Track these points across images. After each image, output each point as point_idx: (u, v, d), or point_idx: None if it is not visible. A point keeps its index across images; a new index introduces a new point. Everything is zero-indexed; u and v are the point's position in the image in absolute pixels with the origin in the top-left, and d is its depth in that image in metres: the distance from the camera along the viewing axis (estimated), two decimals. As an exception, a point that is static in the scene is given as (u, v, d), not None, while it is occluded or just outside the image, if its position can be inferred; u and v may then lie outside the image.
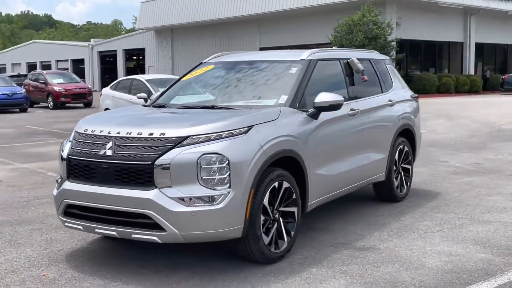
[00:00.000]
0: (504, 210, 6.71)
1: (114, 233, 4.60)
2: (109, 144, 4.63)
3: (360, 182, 6.31)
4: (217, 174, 4.41)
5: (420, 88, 30.60)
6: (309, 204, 5.38)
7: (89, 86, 30.68)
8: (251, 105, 5.47)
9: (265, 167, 4.70)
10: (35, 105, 29.09)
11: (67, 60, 55.51)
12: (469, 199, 7.29)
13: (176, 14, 42.75)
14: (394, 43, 30.21)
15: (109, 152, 4.59)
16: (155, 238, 4.44)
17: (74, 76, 30.92)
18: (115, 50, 50.05)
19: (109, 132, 4.73)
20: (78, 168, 4.78)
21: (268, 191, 4.78)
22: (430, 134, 13.88)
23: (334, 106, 5.44)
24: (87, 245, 5.55)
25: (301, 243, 5.48)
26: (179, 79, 6.60)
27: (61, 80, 28.47)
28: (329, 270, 4.78)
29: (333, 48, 6.68)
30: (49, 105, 27.78)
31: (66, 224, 4.91)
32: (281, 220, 4.99)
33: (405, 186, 7.24)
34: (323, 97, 5.38)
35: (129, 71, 47.29)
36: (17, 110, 26.03)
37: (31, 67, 62.04)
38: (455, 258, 5.04)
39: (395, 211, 6.73)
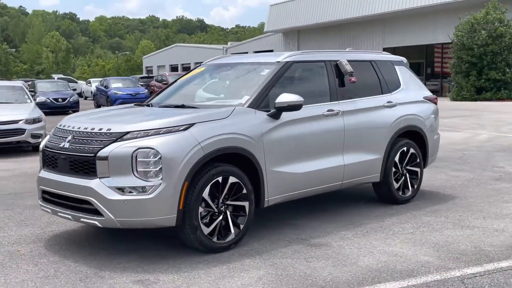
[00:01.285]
0: (505, 217, 6.48)
1: (69, 216, 5.23)
2: (69, 138, 5.28)
3: (343, 182, 6.43)
4: (150, 167, 4.87)
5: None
6: (266, 199, 5.65)
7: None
8: (216, 104, 5.86)
9: (202, 162, 5.07)
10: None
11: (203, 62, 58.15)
12: (479, 205, 7.09)
13: (302, 16, 43.38)
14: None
15: (66, 145, 5.23)
16: (96, 222, 5.00)
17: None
18: (246, 53, 51.68)
19: (73, 127, 5.38)
20: (48, 158, 5.48)
21: (209, 185, 5.13)
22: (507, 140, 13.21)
23: (294, 107, 5.66)
24: (77, 228, 6.24)
25: (260, 237, 5.78)
26: (177, 79, 7.13)
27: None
28: (262, 262, 5.04)
29: (325, 51, 6.78)
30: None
31: (41, 207, 5.62)
32: (228, 213, 5.32)
33: (409, 189, 7.19)
34: (283, 98, 5.63)
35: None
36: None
37: (174, 69, 65.94)
38: (394, 259, 5.08)
39: (386, 212, 6.76)
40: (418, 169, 7.34)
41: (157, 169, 4.87)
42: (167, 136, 5.00)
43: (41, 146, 5.70)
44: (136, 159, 4.88)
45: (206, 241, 5.18)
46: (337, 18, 40.47)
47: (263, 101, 5.74)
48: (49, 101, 25.40)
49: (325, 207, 7.09)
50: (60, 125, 5.64)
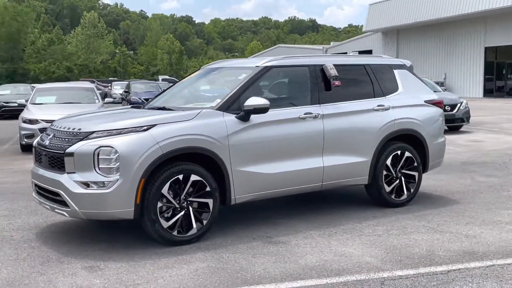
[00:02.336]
0: (490, 224, 6.39)
1: (48, 207, 5.84)
2: (51, 136, 5.89)
3: (323, 183, 6.60)
4: (110, 164, 5.37)
5: None
6: (233, 198, 5.97)
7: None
8: (190, 107, 6.28)
9: (160, 160, 5.49)
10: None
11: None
12: (475, 211, 7.00)
13: (402, 15, 42.59)
14: None
15: (47, 142, 5.85)
16: (64, 213, 5.58)
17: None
18: (346, 53, 51.43)
19: (56, 126, 5.99)
20: (37, 154, 6.13)
21: (169, 182, 5.55)
22: None
23: (260, 110, 5.96)
24: (73, 220, 6.85)
25: (230, 233, 6.12)
26: (178, 81, 7.61)
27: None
28: (211, 255, 5.39)
29: (311, 55, 6.98)
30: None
31: (34, 199, 6.28)
32: (190, 209, 5.71)
33: (405, 192, 7.21)
34: (250, 101, 5.94)
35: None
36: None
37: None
38: (337, 259, 5.25)
39: (372, 214, 6.86)
40: (415, 173, 7.32)
41: (116, 166, 5.35)
42: (128, 136, 5.47)
43: (34, 143, 6.36)
44: (98, 157, 5.38)
45: (166, 234, 5.59)
46: (436, 16, 39.39)
47: (233, 104, 6.05)
48: (140, 101, 26.83)
49: (315, 207, 7.29)
50: (51, 125, 6.27)
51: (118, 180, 5.35)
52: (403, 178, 7.24)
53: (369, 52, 48.79)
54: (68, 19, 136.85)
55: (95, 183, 5.39)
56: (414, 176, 7.34)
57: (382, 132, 6.99)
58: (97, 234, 6.19)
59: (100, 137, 5.50)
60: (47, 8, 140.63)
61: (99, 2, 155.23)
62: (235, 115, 6.02)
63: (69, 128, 5.77)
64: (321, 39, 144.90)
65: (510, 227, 6.28)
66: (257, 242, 5.81)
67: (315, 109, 6.55)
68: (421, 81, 7.79)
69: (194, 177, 5.70)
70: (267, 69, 6.47)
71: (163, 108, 6.43)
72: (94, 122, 5.90)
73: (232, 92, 6.18)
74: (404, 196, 7.24)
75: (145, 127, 5.57)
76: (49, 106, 14.40)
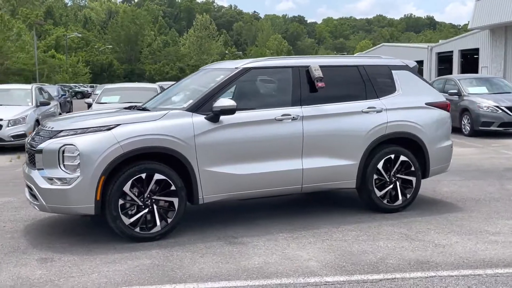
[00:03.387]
0: (474, 233, 6.08)
1: (28, 200, 6.22)
2: (33, 134, 6.28)
3: (303, 185, 6.52)
4: (71, 161, 5.66)
5: None
6: (201, 197, 6.07)
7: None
8: (166, 107, 6.44)
9: (121, 159, 5.71)
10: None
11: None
12: (469, 220, 6.68)
13: (510, 10, 40.30)
14: None
15: (29, 140, 6.24)
16: (35, 206, 5.94)
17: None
18: (451, 51, 49.53)
19: (43, 126, 6.37)
20: (27, 153, 6.54)
21: (132, 180, 5.76)
22: None
23: (227, 111, 6.03)
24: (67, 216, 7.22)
25: (198, 232, 6.25)
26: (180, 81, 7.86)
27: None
28: (162, 253, 5.52)
29: (296, 56, 6.91)
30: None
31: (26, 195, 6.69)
32: (154, 206, 5.88)
33: (400, 198, 6.96)
34: (218, 103, 6.03)
35: (463, 71, 46.32)
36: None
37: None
38: (282, 261, 5.22)
39: (356, 219, 6.72)
40: (412, 178, 7.04)
41: (77, 163, 5.62)
42: (91, 135, 5.73)
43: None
44: (63, 154, 5.68)
45: (127, 230, 5.80)
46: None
47: (205, 105, 6.15)
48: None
49: (304, 209, 7.23)
50: (41, 124, 6.67)
51: (79, 177, 5.62)
52: (398, 183, 6.98)
53: (474, 50, 46.68)
54: (185, 22, 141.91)
55: (59, 179, 5.69)
56: (411, 181, 7.05)
57: (371, 135, 6.79)
58: (84, 228, 6.50)
59: (67, 135, 5.79)
60: (165, 11, 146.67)
61: (214, 4, 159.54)
62: (205, 116, 6.10)
63: (48, 127, 6.12)
64: (437, 37, 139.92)
65: (493, 237, 5.91)
66: (218, 242, 5.86)
67: (295, 110, 6.49)
68: (426, 83, 7.46)
69: (158, 176, 5.86)
70: (245, 70, 6.51)
71: (144, 109, 6.63)
72: (67, 122, 6.22)
73: (204, 94, 6.28)
74: (399, 202, 6.98)
75: (108, 127, 5.80)
76: (111, 105, 15.13)
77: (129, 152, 5.75)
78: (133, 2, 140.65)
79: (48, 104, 15.87)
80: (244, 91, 6.57)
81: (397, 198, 6.98)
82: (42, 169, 5.81)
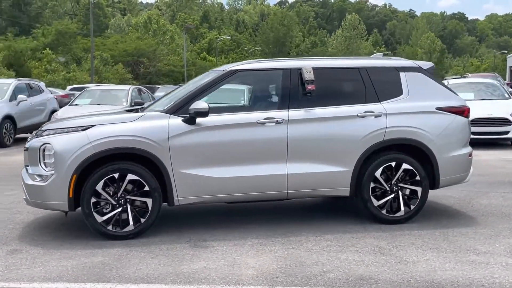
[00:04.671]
0: (456, 252, 5.57)
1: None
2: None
3: (288, 191, 6.31)
4: (49, 160, 5.99)
5: None
6: (176, 199, 6.13)
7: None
8: (155, 109, 6.56)
9: (93, 159, 5.93)
10: None
11: None
12: (473, 236, 6.13)
13: None
14: None
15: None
16: (24, 201, 6.35)
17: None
18: None
19: (42, 126, 6.80)
20: None
21: (104, 179, 5.97)
22: None
23: (200, 113, 6.04)
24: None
25: (171, 233, 6.29)
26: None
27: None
28: (117, 252, 5.60)
29: (290, 58, 6.71)
30: None
31: None
32: (128, 206, 6.05)
33: (402, 209, 6.50)
34: (193, 105, 6.06)
35: None
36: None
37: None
38: (220, 268, 5.13)
39: (353, 228, 6.39)
40: (417, 188, 6.53)
41: (52, 161, 5.94)
42: (66, 135, 6.03)
43: None
44: (43, 152, 6.03)
45: (100, 228, 6.02)
46: None
47: (183, 107, 6.19)
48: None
49: (301, 215, 7.00)
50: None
51: (53, 174, 5.93)
52: (400, 193, 6.51)
53: None
54: (337, 22, 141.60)
55: (39, 176, 6.04)
56: (416, 191, 6.54)
57: (367, 141, 6.40)
58: (80, 224, 6.78)
59: (48, 135, 6.13)
60: (317, 12, 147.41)
61: (367, 3, 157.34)
62: (183, 118, 6.14)
63: (41, 128, 6.52)
64: None
65: (476, 257, 5.35)
66: (184, 244, 5.88)
67: (280, 114, 6.31)
68: (442, 86, 6.86)
69: (130, 176, 6.00)
70: (231, 73, 6.45)
71: (137, 110, 6.81)
72: (55, 123, 6.56)
73: (185, 96, 6.32)
74: (401, 213, 6.51)
75: (84, 127, 6.05)
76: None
77: (100, 152, 5.95)
78: (287, 4, 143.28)
79: (142, 104, 16.67)
80: (225, 93, 6.50)
81: (399, 209, 6.51)
82: (28, 166, 6.20)
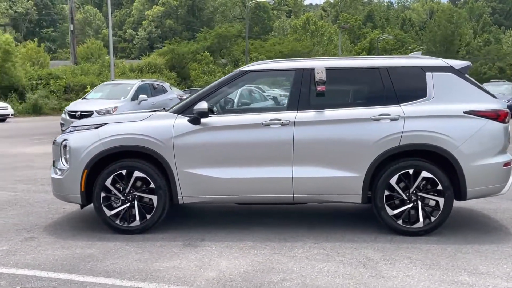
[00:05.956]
0: (444, 269, 5.04)
1: None
2: None
3: (294, 195, 6.10)
4: (66, 155, 6.40)
5: None
6: (180, 197, 6.22)
7: None
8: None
9: (102, 155, 6.21)
10: None
11: None
12: (485, 255, 5.49)
13: None
14: None
15: None
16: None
17: None
18: None
19: None
20: None
21: (113, 175, 6.24)
22: None
23: (202, 114, 6.08)
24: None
25: (178, 230, 6.39)
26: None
27: None
28: (107, 246, 5.82)
29: (305, 59, 6.45)
30: None
31: None
32: (135, 202, 6.28)
33: (420, 220, 6.01)
34: (197, 105, 6.13)
35: None
36: None
37: None
38: (188, 267, 5.15)
39: (355, 238, 6.04)
40: (439, 199, 5.99)
41: (68, 156, 6.34)
42: (81, 132, 6.39)
43: None
44: (65, 148, 6.45)
45: (109, 221, 6.29)
46: None
47: (191, 107, 6.26)
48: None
49: (311, 221, 6.73)
50: None
51: (68, 169, 6.31)
52: (420, 203, 6.02)
53: None
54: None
55: (60, 170, 6.46)
56: (438, 202, 6.00)
57: (380, 145, 5.98)
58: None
59: (69, 132, 6.54)
60: (495, 8, 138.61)
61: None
62: (188, 118, 6.21)
63: (71, 125, 6.96)
64: None
65: (466, 278, 4.81)
66: (178, 242, 5.95)
67: (287, 115, 6.13)
68: (475, 87, 6.19)
69: (137, 173, 6.21)
70: (242, 73, 6.40)
71: (155, 111, 6.96)
72: (83, 120, 6.95)
73: (194, 96, 6.38)
74: (420, 224, 6.01)
75: (97, 125, 6.36)
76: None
77: (109, 149, 6.22)
78: (460, 0, 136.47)
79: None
80: (241, 94, 6.44)
81: (418, 220, 6.02)
82: (54, 160, 6.66)
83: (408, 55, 6.87)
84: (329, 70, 6.21)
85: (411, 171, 5.99)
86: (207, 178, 6.13)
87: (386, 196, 6.04)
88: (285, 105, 6.28)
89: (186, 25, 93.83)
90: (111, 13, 33.01)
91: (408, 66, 6.27)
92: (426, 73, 6.17)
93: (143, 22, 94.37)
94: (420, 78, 6.16)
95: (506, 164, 6.10)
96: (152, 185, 6.18)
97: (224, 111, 6.56)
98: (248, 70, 6.42)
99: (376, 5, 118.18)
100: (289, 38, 64.85)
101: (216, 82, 6.46)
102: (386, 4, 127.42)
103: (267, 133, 6.10)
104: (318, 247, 5.71)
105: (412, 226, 6.03)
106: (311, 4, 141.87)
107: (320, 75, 6.10)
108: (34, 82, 36.18)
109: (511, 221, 6.71)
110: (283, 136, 6.08)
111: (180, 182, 6.16)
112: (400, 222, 6.04)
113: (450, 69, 6.21)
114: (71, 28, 44.02)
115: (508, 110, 6.21)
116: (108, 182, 6.22)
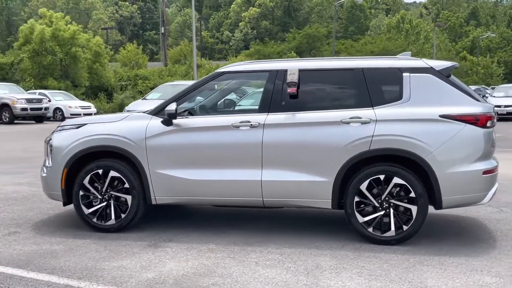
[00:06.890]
0: (401, 282, 4.75)
1: None
2: None
3: (264, 199, 5.96)
4: (50, 153, 6.63)
5: None
6: (153, 197, 6.26)
7: None
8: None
9: (80, 154, 6.36)
10: None
11: None
12: (461, 262, 5.12)
13: None
14: None
15: None
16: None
17: None
18: None
19: None
20: None
21: (90, 174, 6.39)
22: None
23: (169, 115, 6.10)
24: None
25: (147, 230, 6.43)
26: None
27: None
28: (74, 243, 5.94)
29: (280, 60, 6.28)
30: None
31: None
32: (112, 201, 6.40)
33: (392, 228, 5.71)
34: (167, 107, 6.16)
35: None
36: None
37: None
38: (133, 268, 5.15)
39: (327, 245, 5.82)
40: (412, 207, 5.66)
41: (51, 155, 6.56)
42: (64, 132, 6.59)
43: None
44: (50, 147, 6.68)
45: (87, 219, 6.44)
46: None
47: (163, 109, 6.29)
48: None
49: (303, 226, 6.54)
50: None
51: (50, 167, 6.54)
52: (392, 210, 5.72)
53: None
54: None
55: (46, 167, 6.70)
56: (410, 210, 5.67)
57: (350, 150, 5.72)
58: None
59: (56, 131, 6.76)
60: None
61: None
62: (161, 119, 6.25)
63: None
64: None
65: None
66: (144, 242, 5.96)
67: (257, 118, 6.01)
68: (457, 89, 5.76)
69: (113, 173, 6.32)
70: (217, 74, 6.34)
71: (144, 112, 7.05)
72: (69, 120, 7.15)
73: (170, 97, 6.40)
74: (391, 233, 5.70)
75: (78, 125, 6.54)
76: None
77: (87, 149, 6.37)
78: None
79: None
80: (210, 95, 6.39)
81: (390, 229, 5.71)
82: (45, 158, 6.91)
83: (396, 56, 6.51)
84: (303, 72, 6.03)
85: (382, 177, 5.69)
86: (178, 180, 6.13)
87: (356, 202, 5.77)
88: (258, 107, 6.15)
89: (282, 26, 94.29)
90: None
91: (384, 67, 5.96)
92: (404, 74, 5.83)
93: (240, 24, 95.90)
94: (396, 80, 5.84)
95: (487, 172, 5.65)
96: (126, 185, 6.25)
97: (201, 112, 6.54)
98: (224, 72, 6.35)
99: (482, 1, 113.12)
100: (382, 37, 63.42)
101: (192, 84, 6.44)
102: (493, 0, 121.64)
103: (237, 135, 6.00)
104: (276, 253, 5.54)
105: (383, 235, 5.73)
106: (414, 2, 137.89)
107: (292, 77, 5.92)
108: (123, 82, 37.69)
109: (507, 233, 6.20)
110: (252, 139, 5.96)
111: (153, 183, 6.20)
112: (370, 229, 5.76)
113: (430, 70, 5.83)
114: (162, 31, 45.59)
115: (493, 114, 5.75)
116: (86, 181, 6.36)
